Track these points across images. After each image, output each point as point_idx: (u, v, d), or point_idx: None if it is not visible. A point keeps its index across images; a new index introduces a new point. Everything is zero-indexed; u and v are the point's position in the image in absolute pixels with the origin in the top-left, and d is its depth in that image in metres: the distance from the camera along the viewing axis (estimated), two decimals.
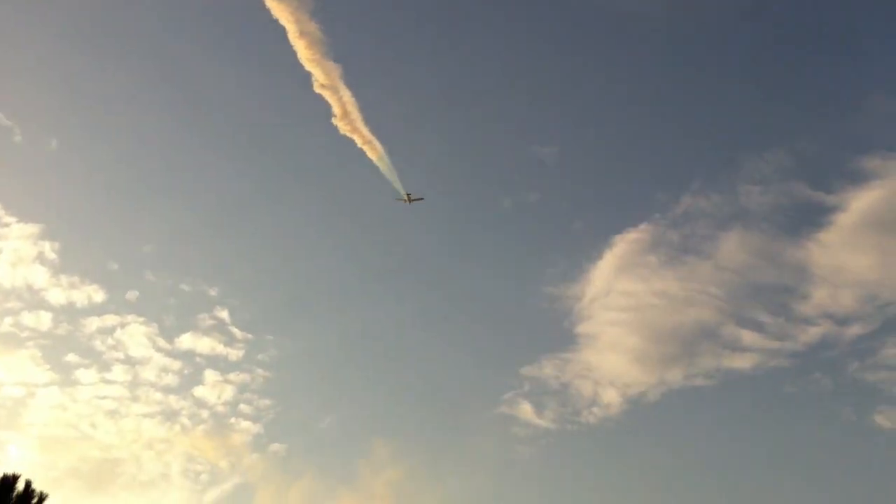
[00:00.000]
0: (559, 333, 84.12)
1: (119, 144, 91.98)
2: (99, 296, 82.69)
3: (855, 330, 76.37)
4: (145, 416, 79.43)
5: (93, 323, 79.52)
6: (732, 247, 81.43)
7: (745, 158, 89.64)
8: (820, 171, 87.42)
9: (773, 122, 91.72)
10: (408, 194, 58.33)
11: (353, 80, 69.19)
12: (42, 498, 17.63)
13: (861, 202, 77.41)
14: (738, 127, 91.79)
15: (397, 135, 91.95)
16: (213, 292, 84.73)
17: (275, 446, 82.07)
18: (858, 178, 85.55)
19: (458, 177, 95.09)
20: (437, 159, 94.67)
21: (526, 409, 78.56)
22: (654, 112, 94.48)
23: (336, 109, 70.46)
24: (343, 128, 71.61)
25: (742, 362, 77.11)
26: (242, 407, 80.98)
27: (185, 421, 79.79)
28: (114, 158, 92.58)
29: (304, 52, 69.27)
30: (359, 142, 72.39)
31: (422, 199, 56.88)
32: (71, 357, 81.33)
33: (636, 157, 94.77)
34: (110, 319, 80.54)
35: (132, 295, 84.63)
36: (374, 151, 72.58)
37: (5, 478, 17.99)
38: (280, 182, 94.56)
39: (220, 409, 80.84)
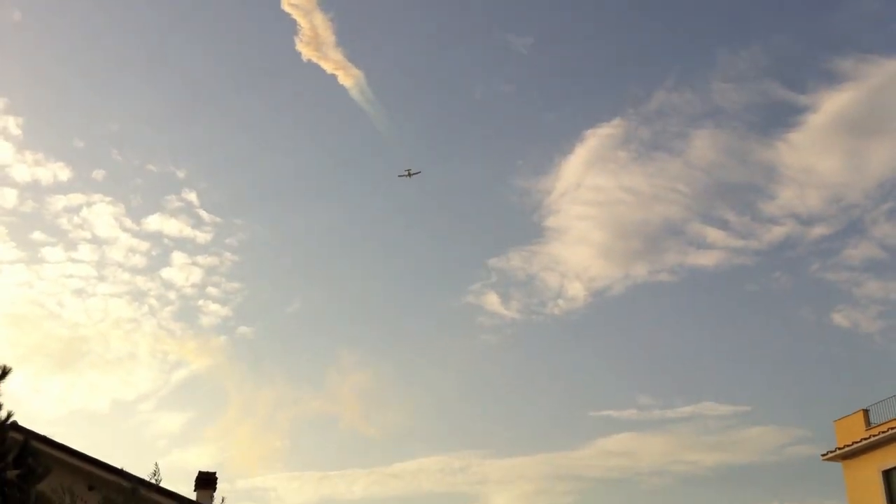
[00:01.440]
0: (528, 226, 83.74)
1: (86, 18, 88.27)
2: (65, 174, 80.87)
3: (819, 230, 76.58)
4: (112, 295, 79.04)
5: (59, 201, 77.94)
6: (703, 144, 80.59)
7: (720, 55, 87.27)
8: (795, 70, 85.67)
9: (750, 17, 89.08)
10: (408, 170, 63.03)
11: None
12: (6, 371, 17.07)
13: (833, 103, 76.37)
14: (715, 22, 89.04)
15: (367, 35, 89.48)
16: (181, 174, 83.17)
17: (242, 329, 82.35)
18: (832, 79, 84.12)
19: (430, 67, 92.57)
20: (408, 51, 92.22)
21: (492, 300, 79.14)
22: (632, 5, 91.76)
23: (306, 31, 69.15)
24: (308, 53, 70.67)
25: (706, 259, 77.57)
26: (210, 290, 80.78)
27: (153, 302, 79.62)
28: (80, 33, 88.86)
29: None
30: (329, 67, 71.72)
31: (419, 172, 62.70)
32: (37, 235, 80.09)
33: (611, 51, 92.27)
34: (76, 198, 78.93)
35: (98, 174, 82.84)
36: (348, 77, 72.20)
37: None
38: (250, 75, 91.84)
39: (188, 291, 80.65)
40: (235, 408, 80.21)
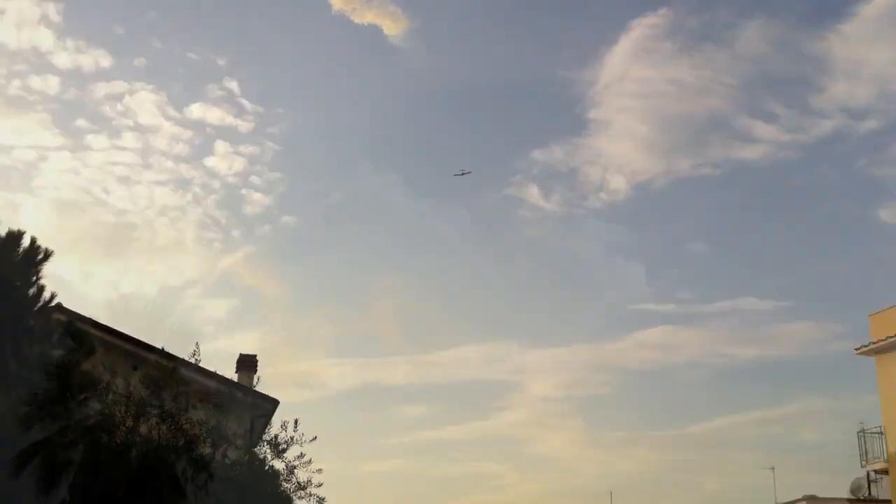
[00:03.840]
0: (571, 118, 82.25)
1: None
2: (106, 61, 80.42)
3: (868, 125, 74.15)
4: (157, 183, 79.99)
5: (101, 89, 77.92)
6: (752, 36, 77.55)
7: None
8: None
9: None
10: (462, 170, 66.47)
11: None
12: (48, 254, 17.48)
13: None
14: None
15: None
16: (221, 62, 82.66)
17: (286, 218, 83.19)
18: None
19: None
20: None
21: (533, 192, 78.73)
22: None
23: None
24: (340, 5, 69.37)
25: (751, 153, 75.64)
26: (253, 179, 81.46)
27: (197, 190, 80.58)
28: None
29: None
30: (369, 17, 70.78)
31: (470, 172, 64.11)
32: (81, 122, 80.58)
33: None
34: (118, 86, 78.83)
35: (139, 62, 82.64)
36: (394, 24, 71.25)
37: (10, 234, 17.65)
38: None
39: (231, 179, 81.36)
40: (279, 296, 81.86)
